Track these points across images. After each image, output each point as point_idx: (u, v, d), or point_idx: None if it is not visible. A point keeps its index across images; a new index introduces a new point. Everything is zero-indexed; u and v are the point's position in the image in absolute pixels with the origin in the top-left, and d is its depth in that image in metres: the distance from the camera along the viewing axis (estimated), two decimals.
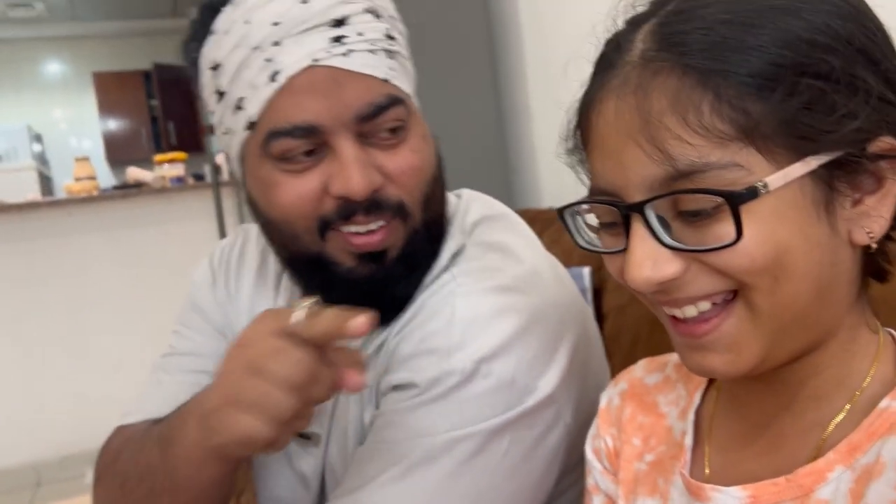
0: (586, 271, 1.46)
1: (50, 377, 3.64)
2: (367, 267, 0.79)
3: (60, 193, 4.72)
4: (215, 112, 0.82)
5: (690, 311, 0.51)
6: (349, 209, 0.76)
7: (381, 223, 0.78)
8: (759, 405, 0.58)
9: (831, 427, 0.53)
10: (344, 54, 0.75)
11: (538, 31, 2.19)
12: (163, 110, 6.61)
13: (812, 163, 0.47)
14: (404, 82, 0.79)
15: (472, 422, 0.74)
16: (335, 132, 0.75)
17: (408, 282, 0.82)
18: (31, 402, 3.62)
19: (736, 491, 0.54)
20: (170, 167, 3.97)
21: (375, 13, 0.77)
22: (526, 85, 2.26)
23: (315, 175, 0.77)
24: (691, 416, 0.63)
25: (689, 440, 0.62)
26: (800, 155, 0.47)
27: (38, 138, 6.01)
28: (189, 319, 0.98)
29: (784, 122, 0.46)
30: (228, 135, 0.81)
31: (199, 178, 4.48)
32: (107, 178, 4.36)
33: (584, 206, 0.54)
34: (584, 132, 0.54)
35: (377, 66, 0.76)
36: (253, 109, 0.76)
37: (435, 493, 0.74)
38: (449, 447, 0.74)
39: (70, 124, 6.94)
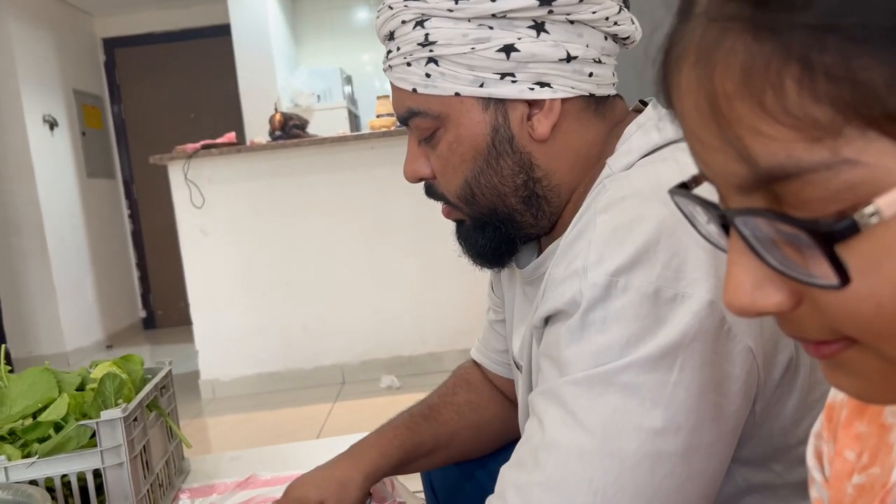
0: None
1: (354, 292, 3.88)
2: (458, 229, 0.89)
3: (365, 129, 5.10)
4: None
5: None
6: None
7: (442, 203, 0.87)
8: None
9: None
10: (389, 69, 0.82)
11: None
12: None
13: None
14: (445, 86, 0.78)
15: (621, 348, 0.64)
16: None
17: (495, 238, 0.84)
18: (340, 314, 3.90)
19: None
20: None
21: (418, 21, 0.77)
22: None
23: None
24: None
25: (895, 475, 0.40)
26: None
27: (348, 80, 5.94)
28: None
29: None
30: None
31: None
32: None
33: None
34: (667, 93, 0.36)
35: (407, 78, 0.79)
36: None
37: (604, 434, 0.63)
38: (607, 379, 0.64)
39: (375, 67, 6.42)
